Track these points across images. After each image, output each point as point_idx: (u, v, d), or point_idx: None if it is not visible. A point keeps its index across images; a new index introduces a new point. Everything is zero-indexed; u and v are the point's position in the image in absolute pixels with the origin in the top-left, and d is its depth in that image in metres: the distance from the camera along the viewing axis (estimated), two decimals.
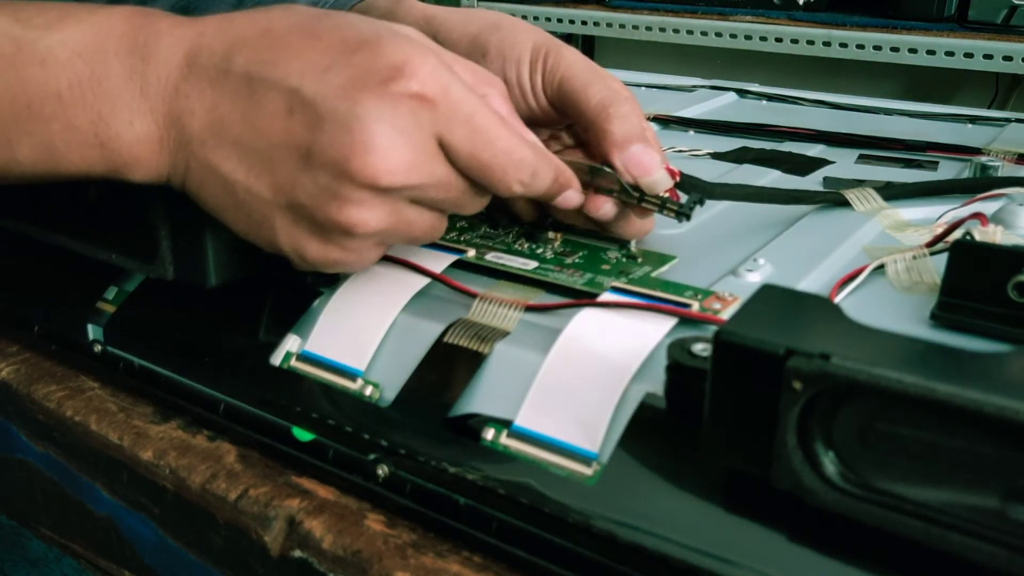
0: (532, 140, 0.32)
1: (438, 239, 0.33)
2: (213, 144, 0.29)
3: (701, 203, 0.36)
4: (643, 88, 0.79)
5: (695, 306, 0.31)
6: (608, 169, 0.35)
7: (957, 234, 0.35)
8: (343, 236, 0.30)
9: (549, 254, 0.37)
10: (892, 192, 0.45)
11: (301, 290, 0.35)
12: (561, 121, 0.39)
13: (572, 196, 0.34)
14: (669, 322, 0.30)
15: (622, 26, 1.45)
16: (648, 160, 0.35)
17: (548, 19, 1.54)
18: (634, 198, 0.35)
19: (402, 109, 0.28)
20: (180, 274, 0.34)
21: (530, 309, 0.32)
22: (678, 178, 0.36)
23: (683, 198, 0.36)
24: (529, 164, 0.31)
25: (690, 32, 1.38)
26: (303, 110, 0.28)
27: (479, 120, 0.29)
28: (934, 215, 0.43)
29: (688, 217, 0.35)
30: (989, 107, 1.34)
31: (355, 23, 0.30)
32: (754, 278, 0.35)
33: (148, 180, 0.31)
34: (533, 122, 0.39)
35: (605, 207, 0.36)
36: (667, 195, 0.35)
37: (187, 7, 0.51)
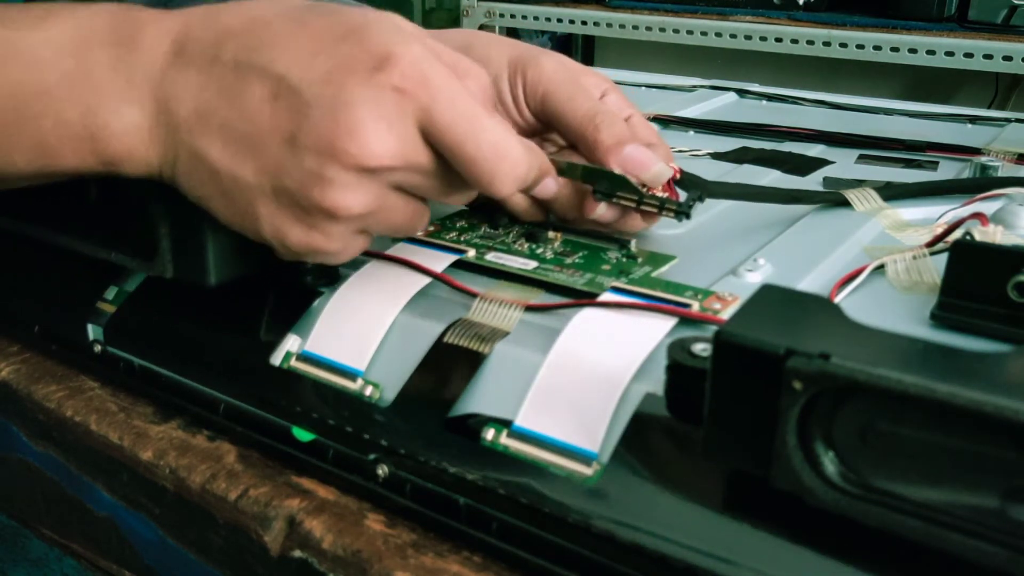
0: (510, 130, 0.31)
1: (420, 230, 0.33)
2: (200, 131, 0.30)
3: (701, 200, 0.36)
4: (643, 88, 0.79)
5: (695, 306, 0.31)
6: (581, 164, 0.35)
7: (957, 234, 0.35)
8: (326, 220, 0.30)
9: (549, 254, 0.37)
10: (892, 192, 0.45)
11: (301, 290, 0.35)
12: (548, 131, 0.40)
13: (549, 184, 0.34)
14: (669, 322, 0.30)
15: (622, 26, 1.45)
16: (643, 156, 0.36)
17: (548, 19, 1.54)
18: (633, 201, 0.36)
19: (385, 98, 0.28)
20: (180, 272, 0.34)
21: (530, 309, 0.32)
22: (678, 174, 0.37)
23: (682, 196, 0.36)
24: (514, 158, 0.30)
25: (690, 32, 1.38)
26: (289, 95, 0.29)
27: (461, 111, 0.29)
28: (934, 215, 0.43)
29: (688, 215, 0.35)
30: (989, 107, 1.35)
31: (343, 11, 0.30)
32: (754, 278, 0.35)
33: (140, 173, 0.31)
34: (521, 133, 0.39)
35: (599, 209, 0.36)
36: (665, 195, 0.36)
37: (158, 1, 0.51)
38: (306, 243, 0.30)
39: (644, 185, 0.36)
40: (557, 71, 0.37)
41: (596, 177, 0.36)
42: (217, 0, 0.32)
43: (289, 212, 0.30)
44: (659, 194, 0.36)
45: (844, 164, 0.54)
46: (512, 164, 0.30)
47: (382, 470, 0.30)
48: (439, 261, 0.35)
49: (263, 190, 0.30)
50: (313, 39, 0.29)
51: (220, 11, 0.31)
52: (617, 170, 0.35)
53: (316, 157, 0.28)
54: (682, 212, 0.35)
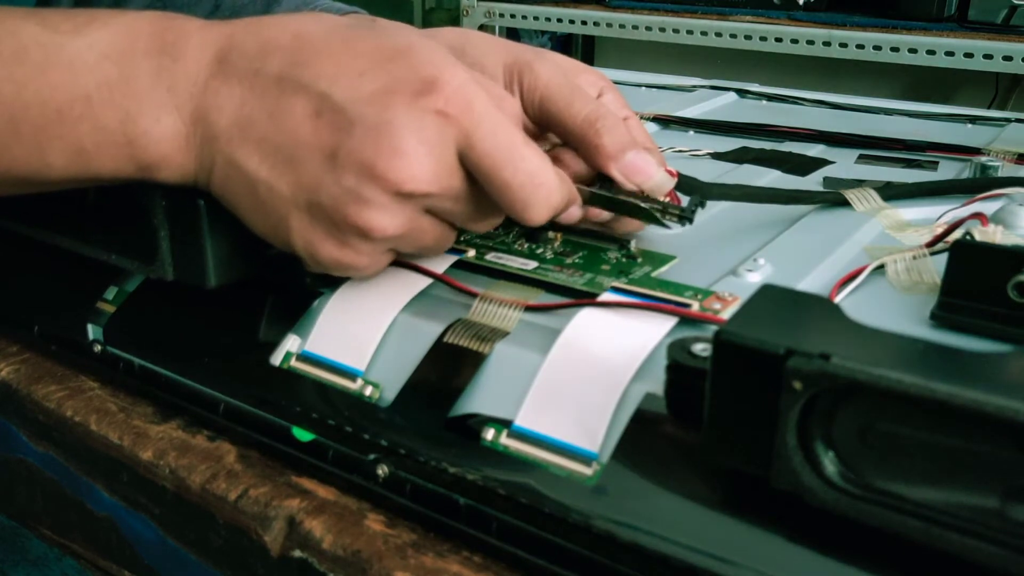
0: (546, 159, 0.32)
1: (444, 252, 0.34)
2: (239, 141, 0.30)
3: (702, 205, 0.36)
4: (643, 88, 0.79)
5: (695, 306, 0.31)
6: (604, 193, 0.35)
7: (957, 234, 0.35)
8: (359, 239, 0.30)
9: (549, 254, 0.37)
10: (892, 192, 0.45)
11: (301, 290, 0.35)
12: (543, 134, 0.40)
13: (575, 211, 0.34)
14: (669, 322, 0.30)
15: (622, 26, 1.45)
16: (646, 165, 0.35)
17: (548, 19, 1.54)
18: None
19: (428, 122, 0.29)
20: (180, 275, 0.34)
21: (530, 309, 0.32)
22: (676, 178, 0.37)
23: (684, 201, 0.36)
24: (549, 187, 0.31)
25: (690, 32, 1.38)
26: (331, 113, 0.29)
27: (501, 138, 0.30)
28: (934, 215, 0.43)
29: (691, 221, 0.36)
30: (989, 107, 1.35)
31: (388, 31, 0.31)
32: (754, 278, 0.35)
33: (175, 181, 0.31)
34: None
35: (602, 214, 0.36)
36: (667, 199, 0.36)
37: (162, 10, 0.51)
38: (336, 258, 0.31)
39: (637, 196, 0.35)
40: (554, 75, 0.37)
41: (620, 209, 0.35)
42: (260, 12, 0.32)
43: (322, 227, 0.30)
44: (662, 197, 0.36)
45: (844, 164, 0.54)
46: (547, 193, 0.31)
47: (382, 470, 0.30)
48: (439, 261, 0.35)
49: (298, 204, 0.30)
50: (359, 58, 0.29)
51: (264, 24, 0.31)
52: (617, 175, 0.35)
53: (355, 176, 0.29)
54: (685, 217, 0.35)
